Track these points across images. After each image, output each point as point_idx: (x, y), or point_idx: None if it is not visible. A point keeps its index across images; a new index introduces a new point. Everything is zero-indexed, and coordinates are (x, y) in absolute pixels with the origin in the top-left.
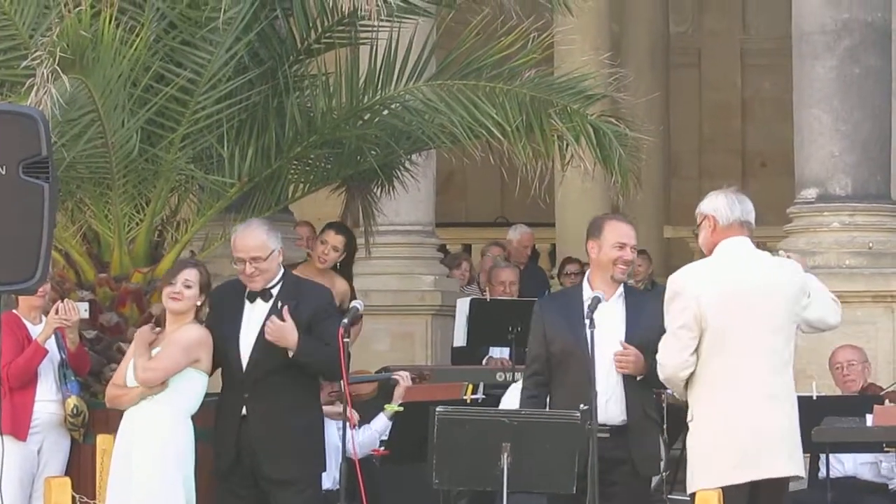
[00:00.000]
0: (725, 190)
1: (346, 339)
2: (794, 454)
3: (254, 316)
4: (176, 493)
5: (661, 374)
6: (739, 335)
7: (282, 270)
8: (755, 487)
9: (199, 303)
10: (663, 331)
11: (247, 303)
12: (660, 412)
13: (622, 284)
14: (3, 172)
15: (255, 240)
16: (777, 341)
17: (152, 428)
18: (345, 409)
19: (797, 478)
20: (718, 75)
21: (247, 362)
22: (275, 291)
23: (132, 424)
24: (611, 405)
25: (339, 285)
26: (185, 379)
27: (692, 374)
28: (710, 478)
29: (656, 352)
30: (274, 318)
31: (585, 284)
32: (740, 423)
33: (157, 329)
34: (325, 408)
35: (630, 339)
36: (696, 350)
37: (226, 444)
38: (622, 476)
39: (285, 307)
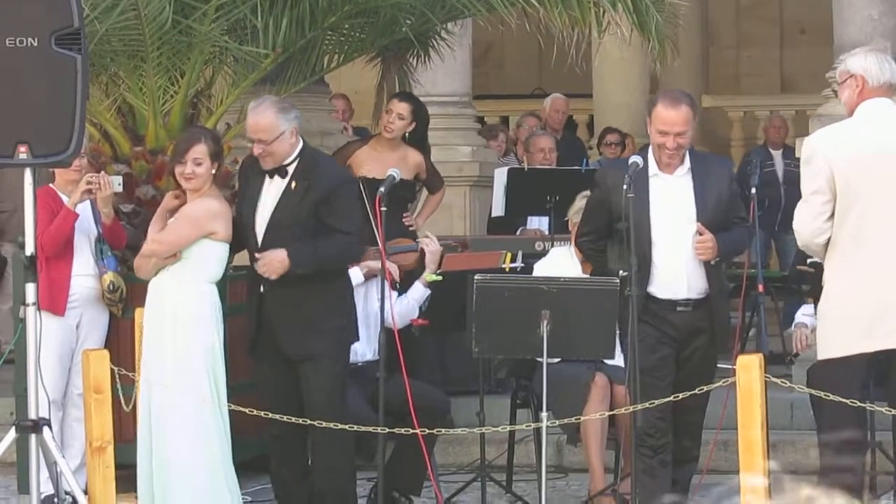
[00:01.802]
0: (873, 48)
1: (383, 208)
2: None
3: (270, 192)
4: (197, 360)
5: (799, 241)
6: (873, 197)
7: (300, 146)
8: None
9: (213, 171)
10: (730, 202)
11: (266, 178)
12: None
13: (688, 155)
14: (36, 44)
15: (262, 120)
16: None
17: (169, 297)
18: (382, 279)
19: None
20: None
21: (261, 239)
22: (290, 169)
23: (153, 295)
24: (692, 281)
25: (411, 157)
26: (200, 249)
27: (830, 239)
28: (838, 346)
29: (724, 227)
30: (259, 256)
31: (650, 154)
32: (871, 290)
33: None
34: (368, 265)
35: (700, 217)
36: (832, 215)
37: (250, 319)
38: (699, 343)
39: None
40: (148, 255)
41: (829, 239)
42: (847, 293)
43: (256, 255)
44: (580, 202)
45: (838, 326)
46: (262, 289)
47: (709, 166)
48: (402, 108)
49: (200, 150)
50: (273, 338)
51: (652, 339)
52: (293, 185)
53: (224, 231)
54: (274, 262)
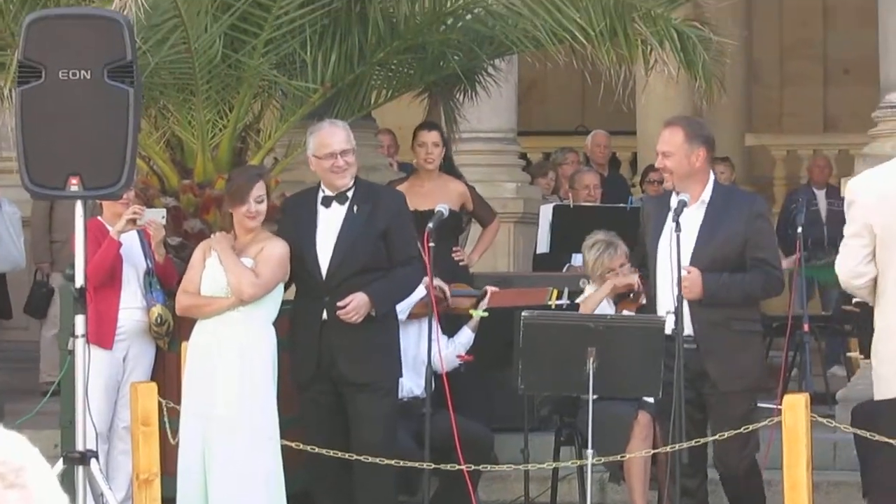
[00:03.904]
0: None
1: (431, 244)
2: None
3: (330, 220)
4: (269, 398)
5: (840, 282)
6: None
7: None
8: None
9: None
10: (748, 241)
11: (321, 209)
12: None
13: (711, 187)
14: (89, 77)
15: (342, 134)
16: None
17: (237, 336)
18: (430, 316)
19: None
20: None
21: (327, 267)
22: (350, 194)
23: (216, 333)
24: (670, 317)
25: (453, 187)
26: (273, 289)
27: (878, 283)
28: (892, 386)
29: (730, 268)
30: (342, 303)
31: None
32: None
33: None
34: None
35: (698, 253)
36: (875, 259)
37: (306, 350)
38: (707, 389)
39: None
40: (247, 298)
41: (868, 280)
42: (893, 336)
43: (339, 303)
44: (587, 252)
45: (892, 366)
46: (324, 316)
47: (729, 200)
48: (434, 136)
49: (261, 188)
50: (331, 366)
51: (665, 380)
52: (356, 208)
53: (289, 271)
54: (361, 308)
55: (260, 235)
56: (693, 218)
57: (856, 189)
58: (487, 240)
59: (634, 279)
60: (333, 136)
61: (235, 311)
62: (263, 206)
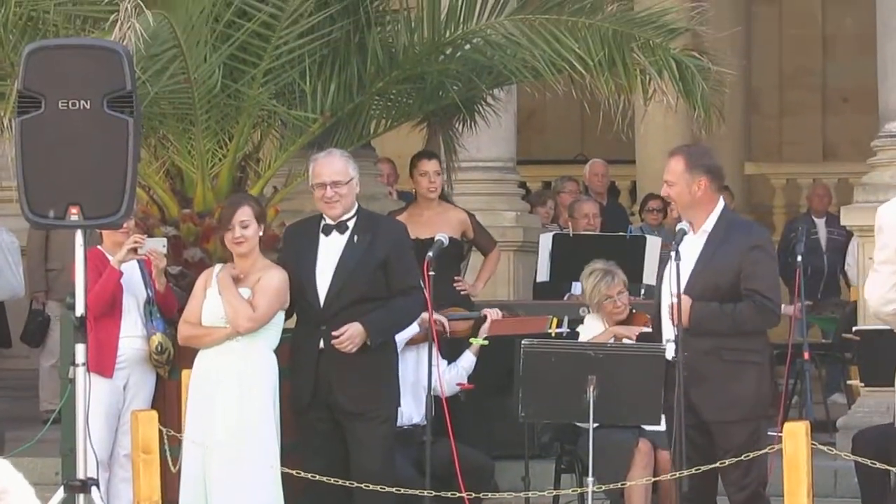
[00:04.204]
0: None
1: (431, 272)
2: None
3: (330, 249)
4: (269, 426)
5: (869, 309)
6: None
7: (356, 204)
8: None
9: (260, 234)
10: (743, 271)
11: (322, 237)
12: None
13: (716, 216)
14: (88, 107)
15: (336, 164)
16: None
17: (237, 365)
18: (430, 344)
19: None
20: (799, 11)
21: (325, 296)
22: (350, 224)
23: (216, 362)
24: (671, 345)
25: (453, 215)
26: (273, 318)
27: None
28: None
29: (723, 298)
30: (337, 333)
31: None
32: None
33: (233, 265)
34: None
35: (692, 282)
36: None
37: (303, 378)
38: (698, 417)
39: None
40: (244, 331)
41: None
42: None
43: (334, 332)
44: (585, 281)
45: None
46: (321, 345)
47: (730, 231)
48: (434, 165)
49: (246, 213)
50: (328, 394)
51: (668, 406)
52: (356, 238)
53: (289, 299)
54: (355, 337)
55: (259, 264)
56: (693, 246)
57: (886, 214)
58: (490, 268)
59: (634, 333)
60: (326, 166)
61: (235, 340)
62: (251, 231)
